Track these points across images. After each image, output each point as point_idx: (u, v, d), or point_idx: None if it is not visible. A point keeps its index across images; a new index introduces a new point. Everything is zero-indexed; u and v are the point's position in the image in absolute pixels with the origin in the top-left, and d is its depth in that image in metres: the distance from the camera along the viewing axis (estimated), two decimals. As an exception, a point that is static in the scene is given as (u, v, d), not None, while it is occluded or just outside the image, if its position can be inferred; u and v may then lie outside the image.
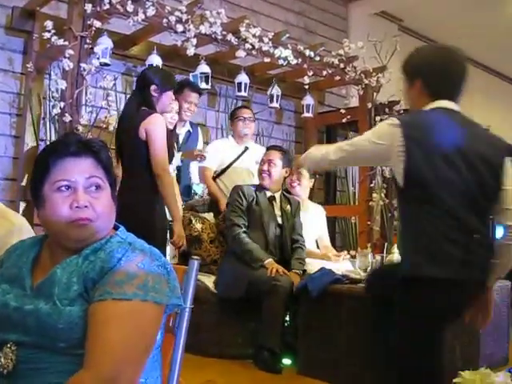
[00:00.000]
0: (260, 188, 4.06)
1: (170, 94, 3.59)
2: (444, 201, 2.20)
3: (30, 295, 1.39)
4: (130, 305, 1.30)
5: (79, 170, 1.42)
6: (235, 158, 4.85)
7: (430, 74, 2.38)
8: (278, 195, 4.11)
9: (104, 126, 4.16)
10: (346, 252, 4.39)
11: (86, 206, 1.39)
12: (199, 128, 5.02)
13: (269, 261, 3.77)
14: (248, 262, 3.75)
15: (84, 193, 1.41)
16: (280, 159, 4.07)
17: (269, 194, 4.06)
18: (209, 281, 3.90)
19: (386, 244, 3.58)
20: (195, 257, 1.62)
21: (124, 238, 1.45)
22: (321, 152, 2.58)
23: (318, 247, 4.62)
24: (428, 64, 2.41)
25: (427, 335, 2.29)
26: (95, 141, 1.51)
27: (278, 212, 4.05)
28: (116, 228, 1.51)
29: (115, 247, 1.39)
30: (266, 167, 4.06)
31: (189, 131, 4.79)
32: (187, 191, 4.64)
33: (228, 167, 4.84)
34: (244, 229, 3.87)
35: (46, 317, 1.32)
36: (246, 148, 4.91)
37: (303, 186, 4.56)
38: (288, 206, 4.12)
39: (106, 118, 4.15)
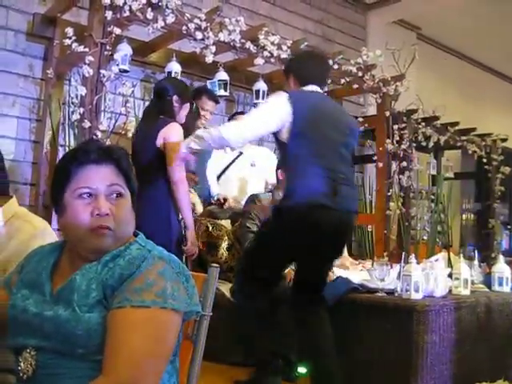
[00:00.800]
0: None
1: (187, 107, 3.65)
2: (320, 150, 3.01)
3: (49, 301, 1.40)
4: (149, 312, 1.31)
5: (100, 178, 1.43)
6: (227, 165, 4.88)
7: (298, 68, 3.33)
8: None
9: (122, 132, 4.19)
10: (362, 264, 4.34)
11: (107, 214, 1.40)
12: None
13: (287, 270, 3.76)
14: None
15: (105, 200, 1.42)
16: None
17: None
18: (225, 288, 3.88)
19: (403, 253, 3.55)
20: (214, 264, 1.62)
21: (143, 244, 1.45)
22: (213, 132, 3.11)
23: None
24: (297, 62, 3.41)
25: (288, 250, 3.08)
26: (115, 148, 1.52)
27: None
28: (135, 235, 1.52)
29: (134, 254, 1.40)
30: None
31: None
32: (207, 198, 4.64)
33: (220, 175, 4.86)
34: None
35: (65, 323, 1.33)
36: (240, 153, 4.90)
37: None
38: None
39: (124, 124, 4.17)
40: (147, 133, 3.47)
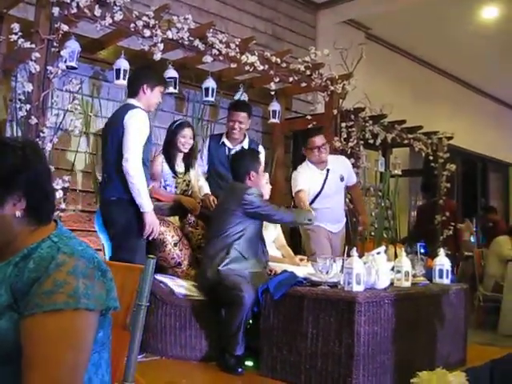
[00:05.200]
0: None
1: None
2: (103, 155, 3.94)
3: None
4: (62, 318, 1.29)
5: None
6: (322, 183, 4.99)
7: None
8: None
9: (70, 129, 4.18)
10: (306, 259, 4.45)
11: None
12: None
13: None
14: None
15: None
16: None
17: None
18: (173, 284, 3.91)
19: (346, 247, 3.63)
20: (151, 256, 1.65)
21: (56, 241, 1.41)
22: None
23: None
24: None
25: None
26: None
27: None
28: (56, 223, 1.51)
29: (44, 254, 1.37)
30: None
31: None
32: None
33: (319, 193, 4.96)
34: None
35: None
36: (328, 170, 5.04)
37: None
38: None
39: (71, 121, 4.16)
40: None
